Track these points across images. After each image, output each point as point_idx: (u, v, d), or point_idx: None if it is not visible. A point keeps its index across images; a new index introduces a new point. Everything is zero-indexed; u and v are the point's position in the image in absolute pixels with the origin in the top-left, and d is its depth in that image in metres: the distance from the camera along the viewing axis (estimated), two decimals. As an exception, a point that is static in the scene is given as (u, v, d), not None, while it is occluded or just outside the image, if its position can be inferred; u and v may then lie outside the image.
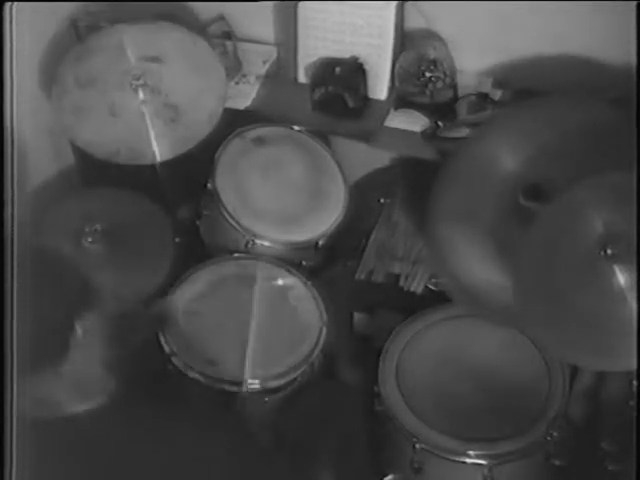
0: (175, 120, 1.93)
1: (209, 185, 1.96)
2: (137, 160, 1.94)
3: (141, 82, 1.90)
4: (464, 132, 1.92)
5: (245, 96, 2.11)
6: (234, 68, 2.13)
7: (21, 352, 1.09)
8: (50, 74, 1.93)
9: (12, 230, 1.14)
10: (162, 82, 1.92)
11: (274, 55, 2.19)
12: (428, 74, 1.98)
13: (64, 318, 1.15)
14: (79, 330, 1.16)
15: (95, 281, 1.22)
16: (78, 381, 1.19)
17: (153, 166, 1.98)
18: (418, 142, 1.97)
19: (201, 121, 1.94)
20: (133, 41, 1.89)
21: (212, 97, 1.95)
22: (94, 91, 1.91)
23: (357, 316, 1.96)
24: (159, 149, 1.93)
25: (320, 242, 1.98)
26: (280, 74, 2.17)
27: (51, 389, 1.17)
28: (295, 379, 1.75)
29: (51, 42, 2.03)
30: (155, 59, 1.90)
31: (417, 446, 1.61)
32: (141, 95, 1.91)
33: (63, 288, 1.18)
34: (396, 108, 2.03)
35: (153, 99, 1.91)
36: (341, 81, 2.00)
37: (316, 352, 1.78)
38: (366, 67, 2.03)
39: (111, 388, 1.22)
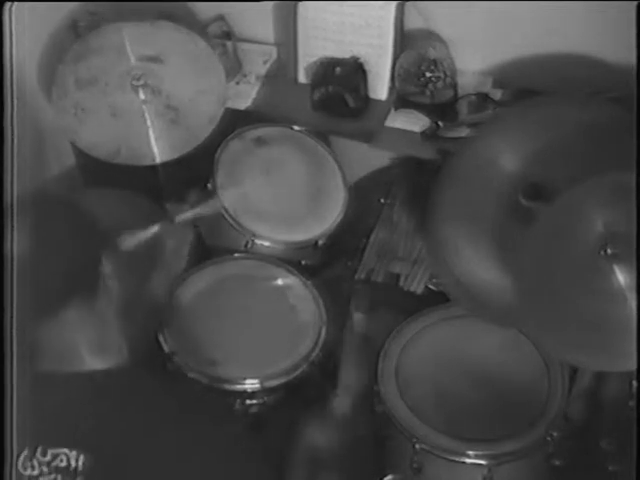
0: (176, 121, 1.94)
1: (209, 185, 1.96)
2: (137, 161, 1.95)
3: (142, 82, 1.90)
4: (464, 132, 1.92)
5: (245, 96, 2.11)
6: (234, 68, 2.13)
7: (43, 295, 1.09)
8: (50, 74, 1.93)
9: (12, 230, 1.14)
10: (163, 83, 1.92)
11: (274, 55, 2.19)
12: (428, 74, 1.98)
13: (88, 262, 1.15)
14: (105, 270, 1.16)
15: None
16: (99, 333, 1.19)
17: (153, 166, 1.98)
18: (418, 142, 1.97)
19: (201, 123, 1.95)
20: (133, 40, 1.89)
21: (212, 98, 1.95)
22: (95, 91, 1.91)
23: (357, 316, 1.96)
24: (159, 150, 1.93)
25: (320, 242, 1.98)
26: (280, 74, 2.17)
27: (73, 338, 1.16)
28: (295, 379, 1.75)
29: (51, 42, 2.03)
30: (155, 59, 1.90)
31: (417, 446, 1.61)
32: (142, 96, 1.91)
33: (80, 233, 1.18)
34: (396, 108, 2.03)
35: (154, 100, 1.92)
36: (341, 81, 2.00)
37: (316, 352, 1.78)
38: (366, 67, 2.03)
39: (124, 349, 1.22)
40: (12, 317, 1.09)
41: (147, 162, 1.95)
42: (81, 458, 1.11)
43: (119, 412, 1.16)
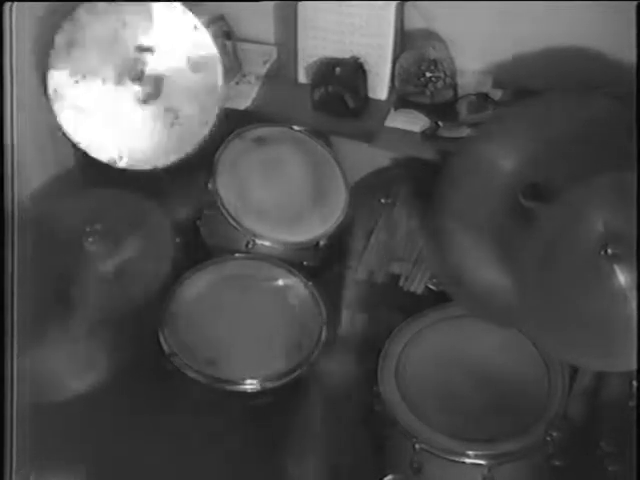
0: (174, 124, 1.94)
1: (209, 185, 1.96)
2: (139, 165, 1.95)
3: (138, 82, 1.91)
4: (464, 132, 1.92)
5: (245, 96, 2.11)
6: (234, 68, 2.13)
7: (21, 327, 1.09)
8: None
9: (12, 230, 1.15)
10: (161, 82, 1.92)
11: (274, 55, 2.19)
12: (428, 74, 1.98)
13: (61, 287, 1.15)
14: (74, 296, 1.16)
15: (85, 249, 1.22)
16: (76, 354, 1.19)
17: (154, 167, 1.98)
18: (418, 142, 1.97)
19: (200, 123, 1.95)
20: (127, 30, 1.88)
21: (210, 97, 1.95)
22: (92, 89, 1.91)
23: (357, 316, 1.96)
24: (160, 154, 1.93)
25: (321, 242, 1.98)
26: (280, 74, 2.17)
27: (50, 368, 1.17)
28: (295, 379, 1.75)
29: (51, 42, 2.02)
30: (149, 49, 1.90)
31: (417, 446, 1.61)
32: (140, 97, 1.91)
33: (58, 257, 1.18)
34: (396, 108, 2.03)
35: (153, 102, 1.92)
36: (341, 81, 2.00)
37: (316, 352, 1.78)
38: (366, 67, 2.03)
39: (105, 370, 1.22)
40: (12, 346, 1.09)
41: (148, 167, 1.95)
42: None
43: (114, 427, 1.16)
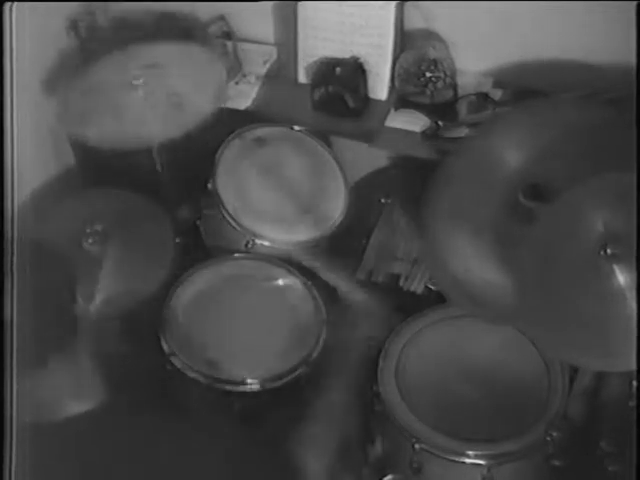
0: (179, 106, 1.92)
1: (209, 185, 1.96)
2: (142, 144, 1.93)
3: (141, 82, 1.90)
4: (464, 132, 1.92)
5: (245, 96, 2.11)
6: (234, 68, 2.13)
7: (20, 351, 1.09)
8: (50, 74, 1.93)
9: (12, 230, 1.15)
10: (162, 80, 1.92)
11: (274, 55, 2.20)
12: (428, 74, 1.98)
13: (59, 309, 1.15)
14: (76, 317, 1.16)
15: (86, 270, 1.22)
16: (75, 377, 1.19)
17: (154, 166, 1.97)
18: (418, 142, 1.97)
19: (205, 102, 1.93)
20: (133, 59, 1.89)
21: (212, 86, 1.94)
22: (98, 96, 1.91)
23: (357, 316, 1.96)
24: (162, 131, 1.92)
25: (320, 242, 1.98)
26: (280, 74, 2.17)
27: (49, 388, 1.17)
28: (295, 379, 1.75)
29: (51, 42, 2.03)
30: (154, 66, 1.90)
31: (417, 446, 1.61)
32: (142, 91, 1.91)
33: (59, 276, 1.18)
34: (396, 108, 2.04)
35: (155, 91, 1.91)
36: (341, 81, 2.00)
37: (316, 352, 1.78)
38: (366, 67, 2.03)
39: (104, 388, 1.22)
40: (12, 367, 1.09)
41: (151, 144, 1.94)
42: None
43: (114, 427, 1.16)
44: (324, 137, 2.08)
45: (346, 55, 2.03)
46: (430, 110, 1.99)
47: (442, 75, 1.97)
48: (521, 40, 1.93)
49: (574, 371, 1.71)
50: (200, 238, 2.05)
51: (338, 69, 2.00)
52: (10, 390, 1.09)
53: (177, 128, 1.89)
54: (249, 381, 1.72)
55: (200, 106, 1.91)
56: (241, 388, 1.72)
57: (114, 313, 1.75)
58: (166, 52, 1.93)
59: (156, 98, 1.89)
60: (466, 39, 1.99)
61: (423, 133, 1.98)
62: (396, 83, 2.04)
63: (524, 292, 1.51)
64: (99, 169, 2.01)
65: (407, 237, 2.01)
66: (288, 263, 1.93)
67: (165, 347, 1.74)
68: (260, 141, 2.03)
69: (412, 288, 1.92)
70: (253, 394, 1.72)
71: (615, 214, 1.43)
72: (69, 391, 1.19)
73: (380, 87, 2.06)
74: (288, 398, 1.75)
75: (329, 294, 1.88)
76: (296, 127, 2.05)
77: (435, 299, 1.88)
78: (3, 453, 1.10)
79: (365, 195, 2.10)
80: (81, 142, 2.00)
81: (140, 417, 1.22)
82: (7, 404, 1.09)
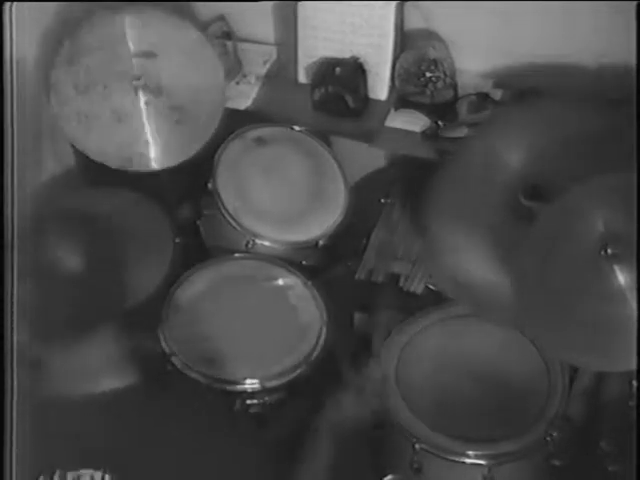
0: (180, 122, 1.94)
1: (209, 185, 1.96)
2: (148, 167, 1.96)
3: (142, 82, 1.91)
4: (464, 132, 1.92)
5: (245, 96, 2.11)
6: (234, 68, 2.13)
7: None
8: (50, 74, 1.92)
9: (12, 230, 1.15)
10: (162, 81, 1.92)
11: (274, 55, 2.20)
12: (428, 74, 1.98)
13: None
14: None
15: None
16: (114, 355, 1.20)
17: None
18: (418, 142, 1.97)
19: (205, 120, 1.94)
20: (126, 36, 1.88)
21: (213, 93, 1.95)
22: (95, 96, 1.91)
23: (357, 316, 1.96)
24: (167, 153, 1.94)
25: (320, 242, 1.98)
26: (280, 74, 2.17)
27: (90, 360, 1.17)
28: (295, 379, 1.75)
29: (51, 42, 2.02)
30: (149, 54, 1.90)
31: (417, 446, 1.61)
32: (143, 97, 1.91)
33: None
34: (396, 108, 2.03)
35: (156, 101, 1.92)
36: (341, 81, 2.00)
37: (316, 352, 1.78)
38: (366, 67, 2.03)
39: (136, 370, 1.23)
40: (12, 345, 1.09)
41: (157, 167, 1.96)
42: (107, 478, 1.11)
43: (134, 427, 1.16)
44: (324, 137, 2.08)
45: (346, 55, 2.03)
46: (430, 110, 1.99)
47: (442, 75, 1.97)
48: (521, 40, 1.93)
49: (574, 371, 1.71)
50: (200, 238, 2.05)
51: (338, 69, 2.00)
52: (11, 365, 1.10)
53: (180, 150, 1.92)
54: (249, 381, 1.72)
55: (202, 123, 1.93)
56: (241, 388, 1.72)
57: (114, 313, 1.75)
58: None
59: (158, 111, 1.91)
60: (466, 39, 1.99)
61: (423, 133, 1.98)
62: (396, 83, 2.04)
63: (524, 292, 1.51)
64: (99, 170, 2.00)
65: (407, 237, 2.01)
66: (288, 263, 1.94)
67: (165, 347, 1.74)
68: (260, 141, 2.03)
69: (412, 288, 1.92)
70: (253, 394, 1.72)
71: (615, 214, 1.43)
72: (104, 367, 1.20)
73: (380, 87, 2.06)
74: (288, 398, 1.75)
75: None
76: (296, 127, 2.05)
77: (435, 299, 1.88)
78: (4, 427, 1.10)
79: (365, 195, 2.10)
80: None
81: (140, 416, 1.23)
82: (8, 378, 1.09)
